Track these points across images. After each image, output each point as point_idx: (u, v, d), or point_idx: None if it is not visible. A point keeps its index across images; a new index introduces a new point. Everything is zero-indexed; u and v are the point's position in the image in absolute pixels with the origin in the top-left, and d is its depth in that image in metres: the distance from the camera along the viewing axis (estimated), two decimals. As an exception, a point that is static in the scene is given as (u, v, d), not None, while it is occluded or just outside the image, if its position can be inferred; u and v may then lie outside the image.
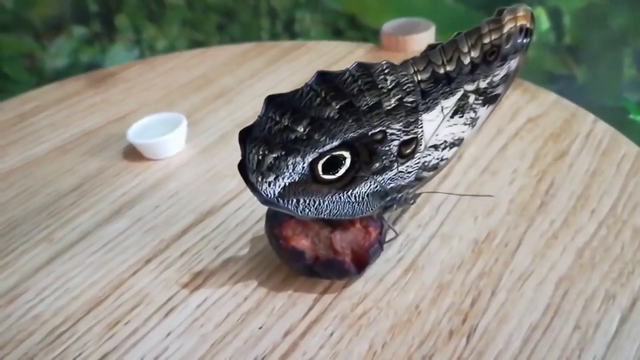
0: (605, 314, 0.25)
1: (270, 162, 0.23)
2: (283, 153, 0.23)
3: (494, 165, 0.34)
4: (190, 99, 0.47)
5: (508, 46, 0.24)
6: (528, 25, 0.23)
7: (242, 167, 0.23)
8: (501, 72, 0.24)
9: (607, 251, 0.28)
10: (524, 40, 0.24)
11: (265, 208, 0.28)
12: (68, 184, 0.38)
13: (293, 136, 0.23)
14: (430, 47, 0.23)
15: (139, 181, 0.37)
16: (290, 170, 0.24)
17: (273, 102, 0.22)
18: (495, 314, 0.25)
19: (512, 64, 0.24)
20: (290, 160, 0.24)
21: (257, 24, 0.99)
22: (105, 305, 0.28)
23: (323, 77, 0.22)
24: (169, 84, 0.50)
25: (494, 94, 0.25)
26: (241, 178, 0.24)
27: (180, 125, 0.39)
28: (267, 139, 0.23)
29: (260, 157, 0.23)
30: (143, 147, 0.39)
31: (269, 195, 0.24)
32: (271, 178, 0.24)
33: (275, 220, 0.27)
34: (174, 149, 0.39)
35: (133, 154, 0.40)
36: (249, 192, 0.35)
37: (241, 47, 0.55)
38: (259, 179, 0.23)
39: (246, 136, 0.22)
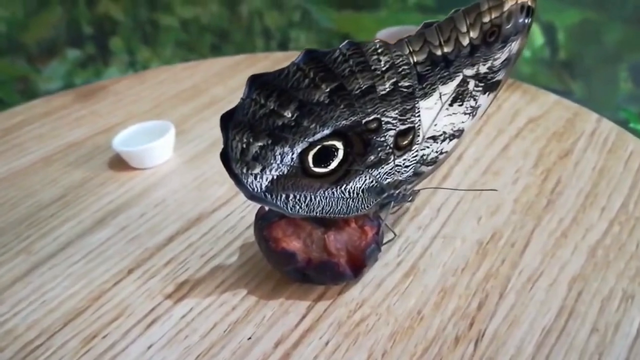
0: (625, 314, 0.23)
1: (256, 152, 0.21)
2: (270, 142, 0.21)
3: (496, 165, 0.33)
4: (179, 109, 0.45)
5: (509, 26, 0.22)
6: (529, 3, 0.22)
7: (225, 156, 0.21)
8: (502, 56, 0.23)
9: (621, 249, 0.26)
10: (526, 20, 0.22)
11: (255, 211, 0.26)
12: (51, 195, 0.36)
13: (280, 122, 0.21)
14: (426, 25, 0.22)
15: (125, 190, 0.36)
16: (278, 162, 0.22)
17: (257, 82, 0.20)
18: (505, 317, 0.23)
19: (514, 46, 0.23)
20: (278, 150, 0.22)
21: (252, 44, 0.99)
22: (83, 318, 0.26)
23: (311, 55, 0.20)
24: (158, 96, 0.48)
25: (494, 80, 0.24)
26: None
27: (167, 133, 0.38)
28: (252, 124, 0.21)
29: (244, 145, 0.21)
30: (129, 155, 0.37)
31: (256, 189, 0.22)
32: (257, 170, 0.22)
33: (264, 222, 0.25)
34: (161, 157, 0.38)
35: (119, 163, 0.38)
36: (240, 198, 0.34)
37: (233, 59, 0.54)
38: (244, 170, 0.22)
39: (228, 121, 0.21)
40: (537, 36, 0.89)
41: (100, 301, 0.27)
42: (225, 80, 0.50)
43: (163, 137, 0.37)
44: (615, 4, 0.84)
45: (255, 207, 0.26)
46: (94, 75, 1.02)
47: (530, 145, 0.34)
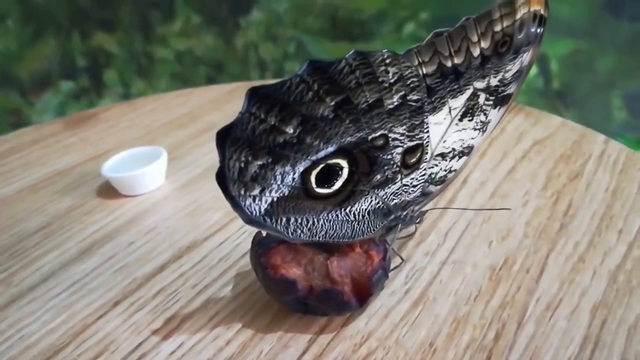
0: (655, 344, 0.21)
1: (255, 171, 0.20)
2: (270, 160, 0.20)
3: (503, 189, 0.31)
4: (173, 135, 0.44)
5: (521, 36, 0.21)
6: (542, 12, 0.21)
7: (221, 177, 0.20)
8: (513, 68, 0.22)
9: (644, 273, 0.24)
10: (538, 30, 0.21)
11: (251, 236, 0.24)
12: (35, 224, 0.34)
13: (281, 139, 0.20)
14: (436, 35, 0.20)
15: (113, 218, 0.34)
16: (279, 182, 0.20)
17: (257, 94, 0.19)
18: (525, 348, 0.21)
19: (525, 58, 0.22)
20: (279, 170, 0.20)
21: (247, 76, 0.99)
22: (63, 355, 0.24)
23: (315, 66, 0.19)
24: (151, 122, 0.47)
25: (505, 93, 0.22)
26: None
27: (159, 159, 0.36)
28: (251, 141, 0.19)
29: (242, 165, 0.19)
30: (119, 181, 0.36)
31: (254, 213, 0.20)
32: (256, 191, 0.20)
33: (261, 248, 0.23)
34: (153, 184, 0.36)
35: (109, 190, 0.36)
36: (235, 224, 0.32)
37: (229, 86, 0.53)
38: (242, 191, 0.20)
39: (225, 138, 0.19)
40: (531, 66, 0.90)
41: (82, 337, 0.25)
42: (221, 105, 0.49)
43: (154, 163, 0.36)
44: (606, 33, 0.85)
45: (250, 234, 0.25)
46: (88, 107, 1.01)
47: (538, 168, 0.33)
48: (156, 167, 0.36)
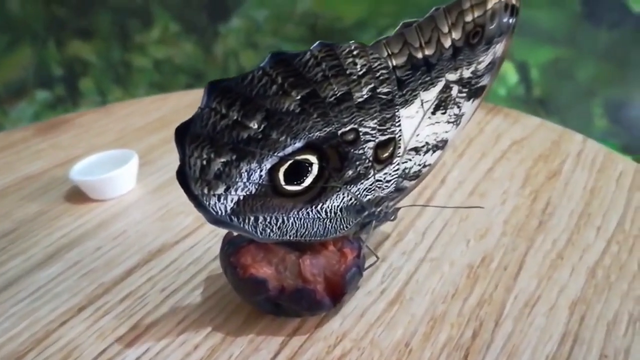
0: (634, 339, 0.20)
1: (219, 169, 0.19)
2: (234, 157, 0.19)
3: (481, 188, 0.31)
4: (146, 139, 0.43)
5: (493, 26, 0.21)
6: (514, 2, 0.21)
7: (182, 176, 0.19)
8: (486, 59, 0.21)
9: (622, 269, 0.24)
10: (510, 20, 0.21)
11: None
12: (1, 229, 0.33)
13: (245, 134, 0.19)
14: (405, 25, 0.20)
15: (81, 223, 0.33)
16: (245, 180, 0.20)
17: (217, 89, 0.18)
18: (503, 346, 0.21)
19: (498, 49, 0.21)
20: (244, 167, 0.19)
21: (227, 84, 0.98)
22: (23, 364, 0.23)
23: (278, 58, 0.18)
24: (124, 127, 0.46)
25: (479, 85, 0.22)
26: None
27: (129, 162, 0.35)
28: (212, 137, 0.18)
29: (204, 162, 0.19)
30: (88, 185, 0.34)
31: (219, 212, 0.20)
32: (221, 190, 0.19)
33: (231, 247, 0.23)
34: (123, 188, 0.35)
35: (78, 195, 0.35)
36: (206, 228, 0.31)
37: (205, 91, 0.53)
38: (205, 190, 0.19)
39: (184, 134, 0.18)
40: (512, 74, 0.91)
41: (45, 343, 0.24)
42: (195, 110, 0.48)
43: (124, 166, 0.35)
44: (586, 41, 0.86)
45: (223, 237, 0.24)
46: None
47: (516, 167, 0.33)
48: (126, 170, 0.35)
